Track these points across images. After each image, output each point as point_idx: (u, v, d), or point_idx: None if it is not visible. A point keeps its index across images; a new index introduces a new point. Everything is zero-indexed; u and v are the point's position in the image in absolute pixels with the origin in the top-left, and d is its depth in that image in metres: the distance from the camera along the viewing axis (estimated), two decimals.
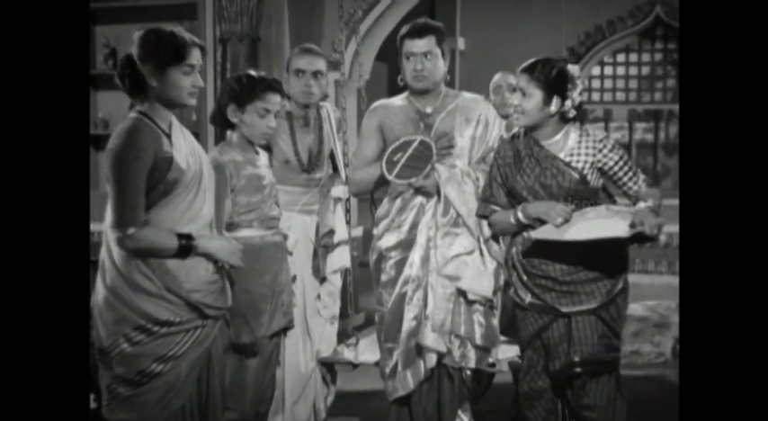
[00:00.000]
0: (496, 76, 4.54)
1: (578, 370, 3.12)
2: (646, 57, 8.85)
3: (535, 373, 3.24)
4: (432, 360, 3.40)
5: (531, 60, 3.15)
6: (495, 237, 3.45)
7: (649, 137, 9.49)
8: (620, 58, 8.86)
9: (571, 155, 3.14)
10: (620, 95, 8.96)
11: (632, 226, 2.96)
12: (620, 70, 8.91)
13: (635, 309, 6.12)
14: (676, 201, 2.49)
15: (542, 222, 3.06)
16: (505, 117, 4.41)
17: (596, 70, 8.87)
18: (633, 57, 8.85)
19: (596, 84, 8.94)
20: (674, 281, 5.63)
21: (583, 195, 3.13)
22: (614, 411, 3.18)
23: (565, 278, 3.11)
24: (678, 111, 7.28)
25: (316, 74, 3.70)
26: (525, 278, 3.18)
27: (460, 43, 8.62)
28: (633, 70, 8.89)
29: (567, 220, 3.03)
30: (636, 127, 9.43)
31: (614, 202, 3.21)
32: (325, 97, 3.89)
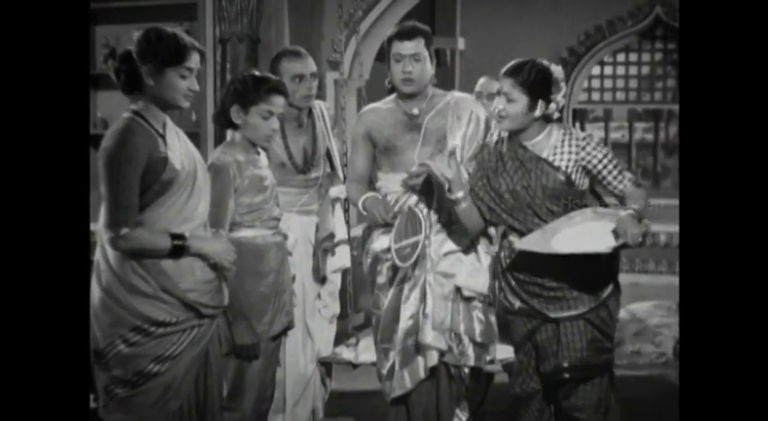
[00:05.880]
0: (481, 81, 4.53)
1: (567, 375, 3.11)
2: (646, 57, 8.84)
3: (527, 375, 3.24)
4: (433, 358, 3.40)
5: (514, 63, 3.12)
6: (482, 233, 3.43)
7: (649, 137, 9.49)
8: (620, 57, 8.86)
9: (554, 154, 3.11)
10: (619, 95, 8.95)
11: (615, 235, 2.94)
12: (620, 70, 8.90)
13: (636, 308, 6.12)
14: (676, 201, 2.48)
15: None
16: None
17: (596, 70, 8.86)
18: (633, 57, 8.85)
19: (596, 84, 8.93)
20: (675, 280, 5.62)
21: (568, 197, 3.11)
22: (606, 411, 3.17)
23: (552, 284, 3.10)
24: (678, 111, 7.28)
25: (313, 75, 3.69)
26: (514, 283, 3.18)
27: (460, 43, 8.60)
28: (633, 70, 8.88)
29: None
30: (636, 127, 9.43)
31: (603, 204, 3.19)
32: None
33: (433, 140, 3.48)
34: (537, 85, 3.06)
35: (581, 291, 3.09)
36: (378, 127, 3.55)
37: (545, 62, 3.14)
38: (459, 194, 3.18)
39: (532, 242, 3.04)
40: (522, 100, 3.06)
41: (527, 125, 3.11)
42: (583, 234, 2.98)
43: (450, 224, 3.42)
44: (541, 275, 3.11)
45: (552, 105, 3.09)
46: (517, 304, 3.18)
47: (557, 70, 3.12)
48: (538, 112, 3.08)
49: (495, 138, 3.31)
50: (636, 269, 7.91)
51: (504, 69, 3.12)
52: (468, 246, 3.43)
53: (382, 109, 3.59)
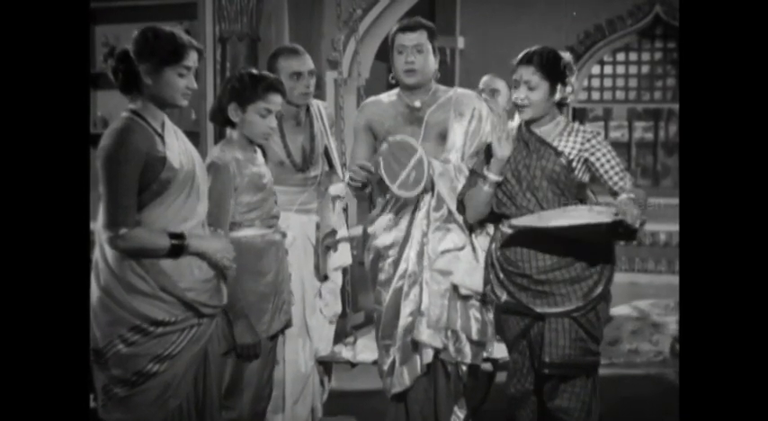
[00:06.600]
0: (485, 78, 4.54)
1: (546, 371, 3.11)
2: (645, 56, 8.86)
3: (521, 375, 3.24)
4: (428, 355, 3.41)
5: (527, 51, 3.14)
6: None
7: (649, 136, 9.50)
8: (620, 57, 8.87)
9: (560, 140, 3.14)
10: (619, 94, 8.97)
11: (615, 214, 2.95)
12: (620, 69, 8.92)
13: (634, 307, 6.13)
14: (676, 201, 2.49)
15: None
16: None
17: (596, 69, 8.87)
18: (633, 56, 8.86)
19: (596, 83, 8.95)
20: (674, 280, 5.63)
21: (566, 184, 3.11)
22: (588, 415, 3.16)
23: (540, 277, 3.10)
24: (678, 110, 7.28)
25: (311, 73, 3.69)
26: (502, 275, 3.18)
27: (460, 43, 8.61)
28: (633, 69, 8.90)
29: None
30: (635, 126, 9.44)
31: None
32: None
33: (433, 134, 3.49)
34: (554, 68, 3.10)
35: (569, 288, 3.09)
36: (379, 119, 3.57)
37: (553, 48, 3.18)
38: (501, 177, 3.18)
39: (528, 219, 3.06)
40: (542, 86, 3.09)
41: (547, 112, 3.14)
42: (579, 217, 2.99)
43: (449, 221, 3.42)
44: (531, 268, 3.11)
45: (568, 88, 3.13)
46: (504, 297, 3.18)
47: (565, 54, 3.18)
48: (558, 96, 3.12)
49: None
50: (635, 268, 7.90)
51: (519, 59, 3.14)
52: (466, 244, 3.44)
53: (384, 101, 3.62)
